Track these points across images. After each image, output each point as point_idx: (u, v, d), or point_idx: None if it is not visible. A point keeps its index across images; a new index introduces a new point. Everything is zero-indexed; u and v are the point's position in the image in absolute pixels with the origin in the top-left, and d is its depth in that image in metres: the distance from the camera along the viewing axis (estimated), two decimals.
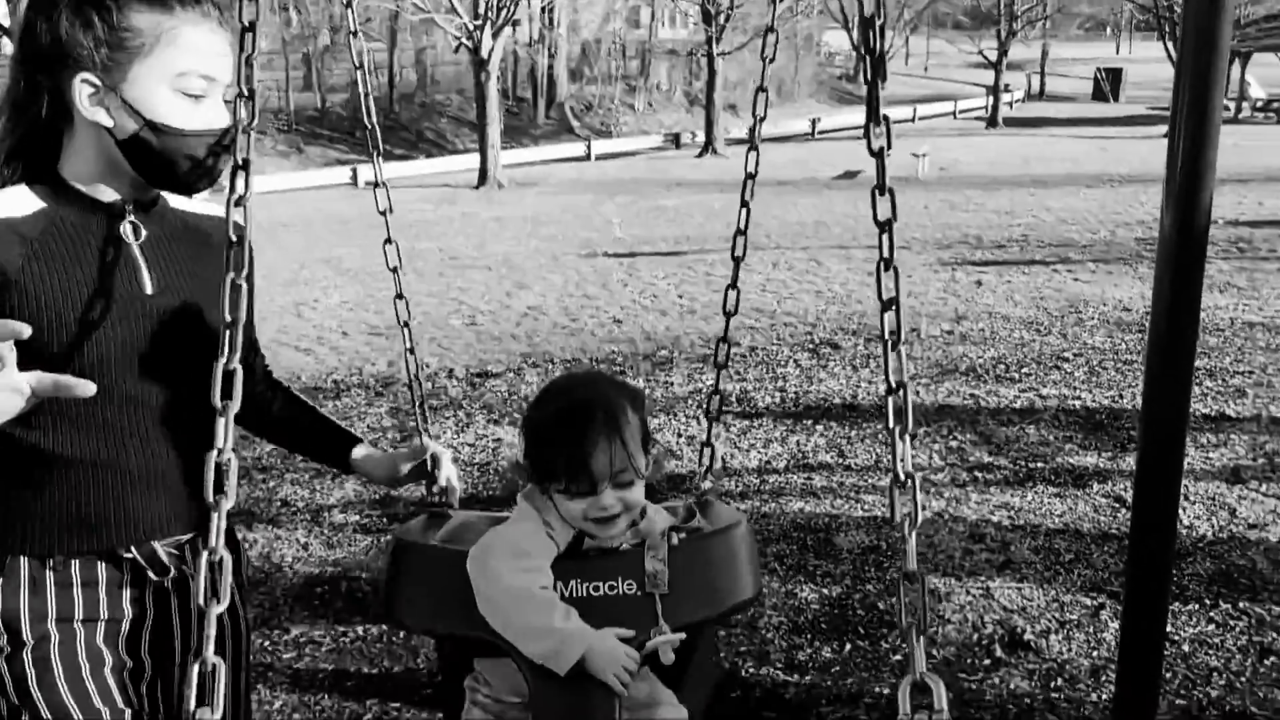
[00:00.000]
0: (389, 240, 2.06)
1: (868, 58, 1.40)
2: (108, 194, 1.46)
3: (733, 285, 2.10)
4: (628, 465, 1.61)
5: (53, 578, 1.46)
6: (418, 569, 1.75)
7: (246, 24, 1.29)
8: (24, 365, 1.29)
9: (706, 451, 2.12)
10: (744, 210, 2.05)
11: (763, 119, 2.11)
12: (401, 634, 3.36)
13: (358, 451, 1.84)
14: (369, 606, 3.56)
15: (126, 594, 1.52)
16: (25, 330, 1.22)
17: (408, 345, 2.07)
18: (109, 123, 1.40)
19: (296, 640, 3.36)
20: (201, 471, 1.17)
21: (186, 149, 1.41)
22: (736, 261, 2.05)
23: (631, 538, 1.68)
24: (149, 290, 1.48)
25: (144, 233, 1.50)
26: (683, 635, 1.62)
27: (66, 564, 1.47)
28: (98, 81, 1.38)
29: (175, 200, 1.58)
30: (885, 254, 1.39)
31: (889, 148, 1.40)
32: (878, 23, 1.40)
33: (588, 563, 1.65)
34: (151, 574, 1.53)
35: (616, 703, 1.56)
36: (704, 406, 2.01)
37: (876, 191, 1.42)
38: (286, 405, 1.83)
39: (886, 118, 1.39)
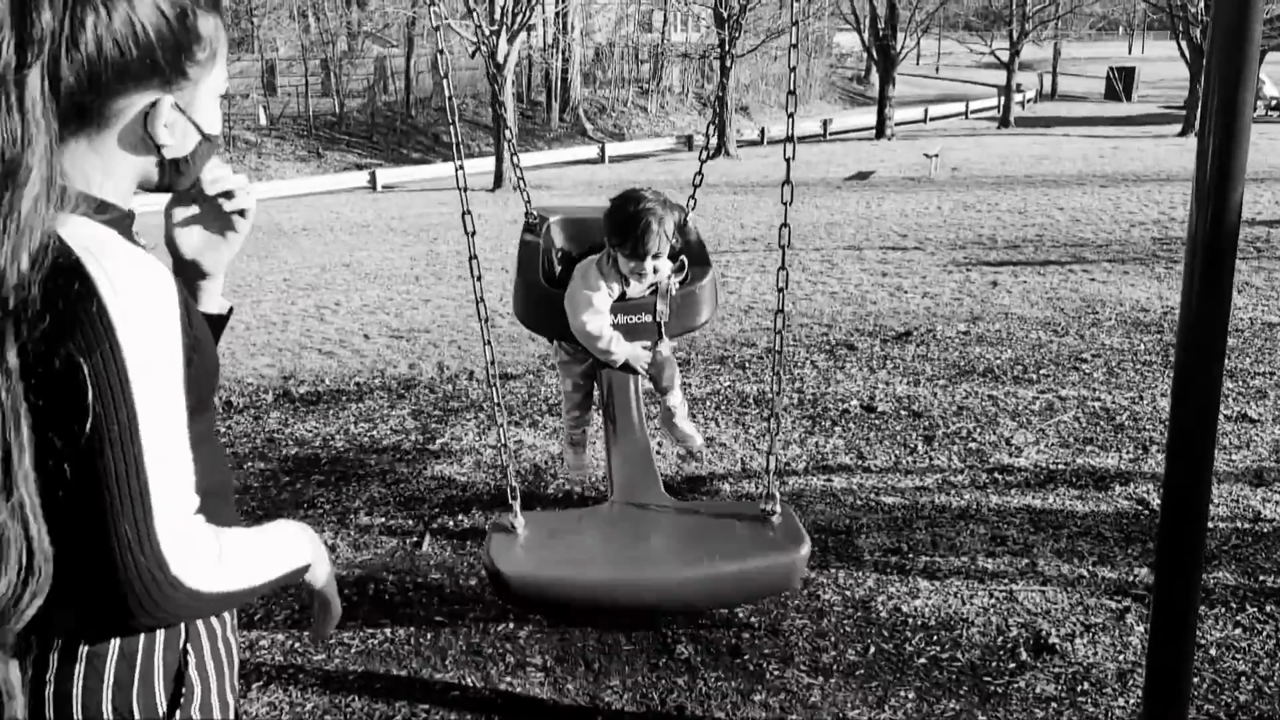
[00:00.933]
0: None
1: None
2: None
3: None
4: (661, 250, 3.12)
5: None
6: (535, 297, 3.45)
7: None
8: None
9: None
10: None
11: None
12: (430, 635, 3.39)
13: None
14: (397, 608, 3.59)
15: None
16: None
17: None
18: (169, 141, 1.23)
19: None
20: None
21: (204, 159, 1.32)
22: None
23: (648, 288, 3.28)
24: None
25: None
26: (675, 344, 3.44)
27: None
28: (174, 98, 1.21)
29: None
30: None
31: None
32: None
33: (627, 304, 3.24)
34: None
35: (639, 375, 3.32)
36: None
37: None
38: None
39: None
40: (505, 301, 9.34)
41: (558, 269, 3.57)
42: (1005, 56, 35.08)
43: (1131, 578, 3.63)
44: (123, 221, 1.21)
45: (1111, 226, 12.12)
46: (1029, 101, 43.06)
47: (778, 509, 2.66)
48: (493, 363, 2.75)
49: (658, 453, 5.03)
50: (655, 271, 3.17)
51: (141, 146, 1.21)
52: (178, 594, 1.14)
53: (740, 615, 3.47)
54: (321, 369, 7.18)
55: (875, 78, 38.16)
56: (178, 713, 1.29)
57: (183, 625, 1.31)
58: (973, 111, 40.53)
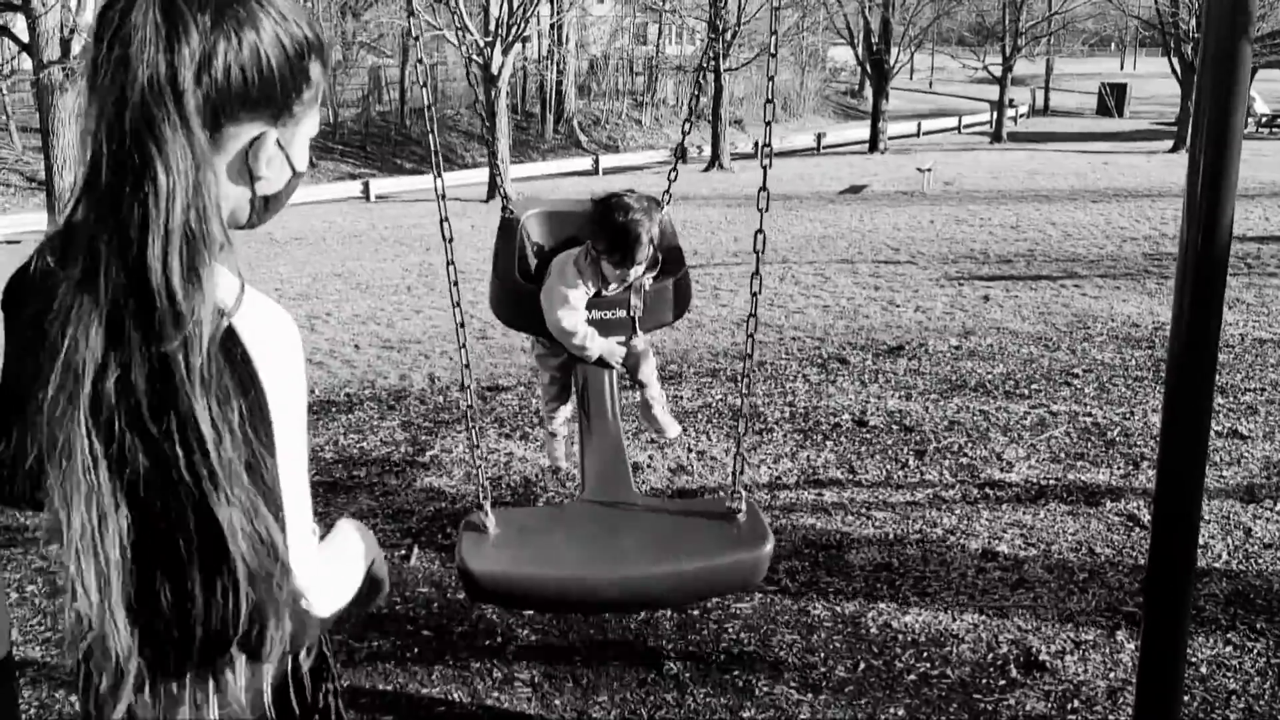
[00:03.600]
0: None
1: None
2: None
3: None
4: (646, 257, 3.22)
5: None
6: (510, 293, 3.45)
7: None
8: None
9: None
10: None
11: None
12: (416, 649, 3.36)
13: None
14: (382, 622, 3.56)
15: None
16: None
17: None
18: (266, 174, 1.24)
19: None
20: None
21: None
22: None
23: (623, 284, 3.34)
24: None
25: None
26: (648, 338, 3.54)
27: None
28: (278, 133, 1.23)
29: None
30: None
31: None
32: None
33: (602, 300, 3.28)
34: None
35: (614, 370, 3.34)
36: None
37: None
38: None
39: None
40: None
41: (533, 264, 3.60)
42: (998, 72, 35.21)
43: (1122, 594, 3.62)
44: (229, 257, 1.18)
45: (1103, 242, 12.15)
46: (1022, 117, 43.22)
47: (743, 506, 2.69)
48: (466, 366, 2.79)
49: (648, 464, 5.02)
50: (634, 274, 3.27)
51: (240, 178, 1.22)
52: (309, 619, 1.27)
53: (730, 631, 3.45)
54: (311, 379, 7.14)
55: (869, 92, 38.30)
56: (322, 690, 1.42)
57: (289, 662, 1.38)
58: (966, 126, 40.68)
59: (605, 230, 3.14)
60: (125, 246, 1.06)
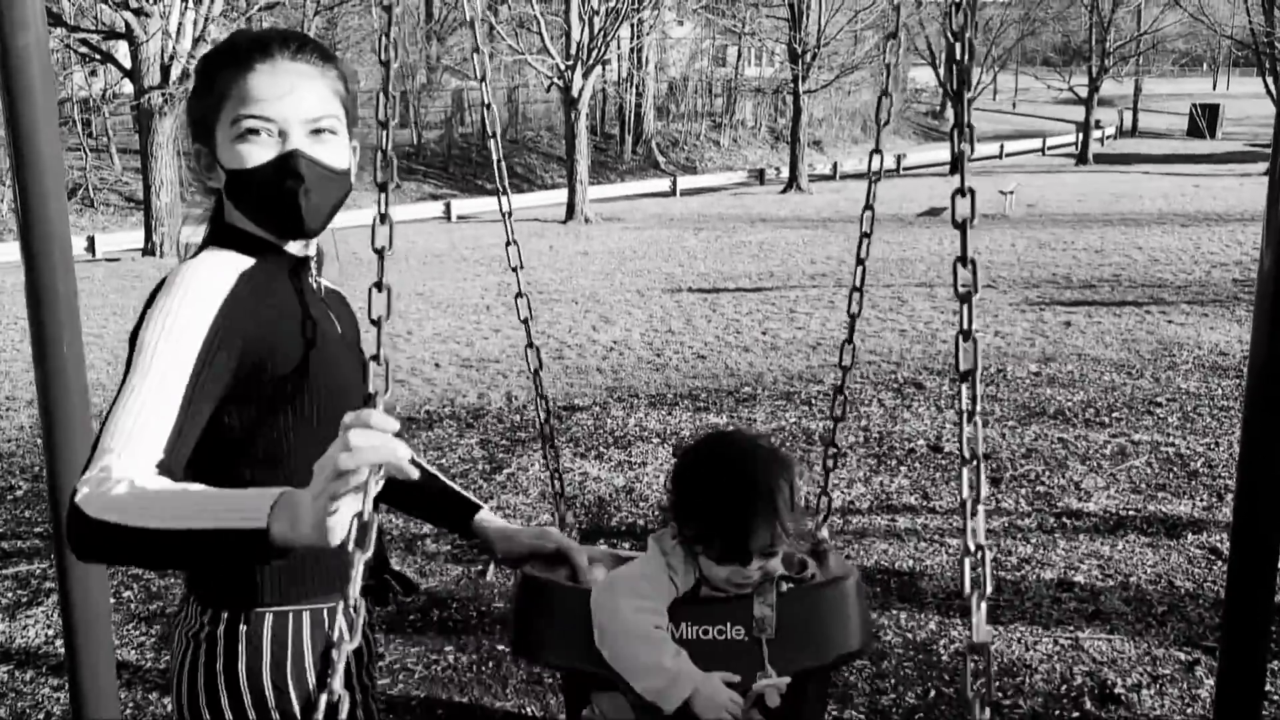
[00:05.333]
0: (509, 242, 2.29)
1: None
2: (276, 243, 1.54)
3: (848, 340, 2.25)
4: (778, 541, 1.69)
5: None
6: (543, 605, 1.84)
7: (382, 61, 1.43)
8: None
9: (823, 500, 2.18)
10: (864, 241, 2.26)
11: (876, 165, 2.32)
12: (491, 664, 3.44)
13: (481, 516, 1.87)
14: (460, 635, 3.65)
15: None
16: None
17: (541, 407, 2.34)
18: (218, 184, 1.50)
19: (390, 667, 3.46)
20: None
21: (261, 186, 1.45)
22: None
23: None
24: (339, 330, 1.58)
25: (313, 280, 1.59)
26: (788, 680, 1.69)
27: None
28: (205, 149, 1.50)
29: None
30: (965, 326, 1.34)
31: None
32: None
33: (700, 606, 1.74)
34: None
35: None
36: (822, 457, 2.23)
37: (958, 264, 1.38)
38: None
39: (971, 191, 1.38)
40: (573, 331, 9.46)
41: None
42: (1084, 92, 34.60)
43: (1202, 629, 3.55)
44: (235, 243, 1.52)
45: (1191, 267, 11.86)
46: (1108, 138, 42.34)
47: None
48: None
49: None
50: (766, 575, 1.74)
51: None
52: (71, 510, 1.20)
53: None
54: (393, 397, 7.33)
55: (950, 113, 37.88)
56: (327, 690, 1.39)
57: (326, 612, 1.51)
58: (1050, 148, 39.97)
59: (695, 497, 1.74)
60: None
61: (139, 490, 1.21)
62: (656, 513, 4.70)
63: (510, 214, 2.31)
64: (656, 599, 1.72)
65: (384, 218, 1.41)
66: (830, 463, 2.24)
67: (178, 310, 1.36)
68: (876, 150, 2.16)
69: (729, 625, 1.74)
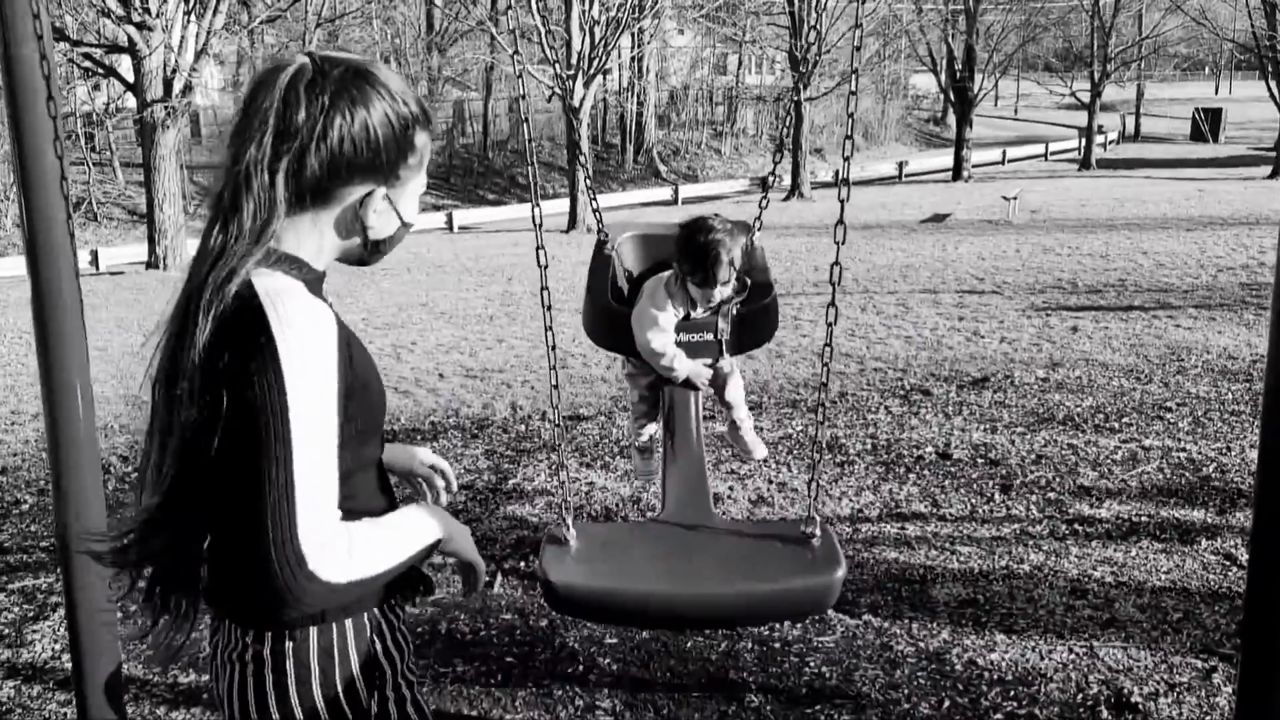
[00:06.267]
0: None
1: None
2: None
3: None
4: (730, 277, 3.22)
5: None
6: (603, 313, 3.52)
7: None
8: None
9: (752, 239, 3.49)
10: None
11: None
12: (500, 675, 3.42)
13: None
14: (467, 647, 3.62)
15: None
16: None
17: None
18: (375, 224, 1.50)
19: None
20: None
21: (401, 240, 1.59)
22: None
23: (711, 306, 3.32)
24: None
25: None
26: (735, 360, 3.55)
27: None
28: (389, 194, 1.50)
29: None
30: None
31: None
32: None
33: (690, 323, 3.32)
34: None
35: (700, 392, 3.37)
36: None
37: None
38: None
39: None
40: (577, 342, 9.43)
41: (625, 288, 3.69)
42: (1086, 98, 34.60)
43: (1219, 635, 3.51)
44: (314, 279, 1.47)
45: (1198, 271, 11.83)
46: (1111, 143, 42.35)
47: (818, 531, 2.72)
48: (555, 382, 2.88)
49: (728, 495, 5.03)
50: (721, 292, 3.29)
51: (353, 227, 1.50)
52: (314, 585, 1.33)
53: (811, 664, 3.44)
54: (397, 408, 7.31)
55: (952, 119, 37.93)
56: (376, 695, 1.53)
57: (366, 618, 1.52)
58: (1053, 153, 39.98)
59: (688, 252, 3.21)
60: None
61: (359, 544, 1.39)
62: None
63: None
64: (668, 326, 3.26)
65: None
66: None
67: (308, 355, 1.36)
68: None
69: (704, 332, 3.34)
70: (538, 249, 2.78)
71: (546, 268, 2.78)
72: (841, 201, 2.63)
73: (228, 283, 1.36)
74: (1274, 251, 11.89)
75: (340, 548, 1.36)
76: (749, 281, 3.41)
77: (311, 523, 1.33)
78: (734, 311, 3.39)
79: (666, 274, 3.40)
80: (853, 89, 2.63)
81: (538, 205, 2.81)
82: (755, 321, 3.48)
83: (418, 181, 1.54)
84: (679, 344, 3.31)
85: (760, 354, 8.60)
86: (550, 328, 2.85)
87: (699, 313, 3.35)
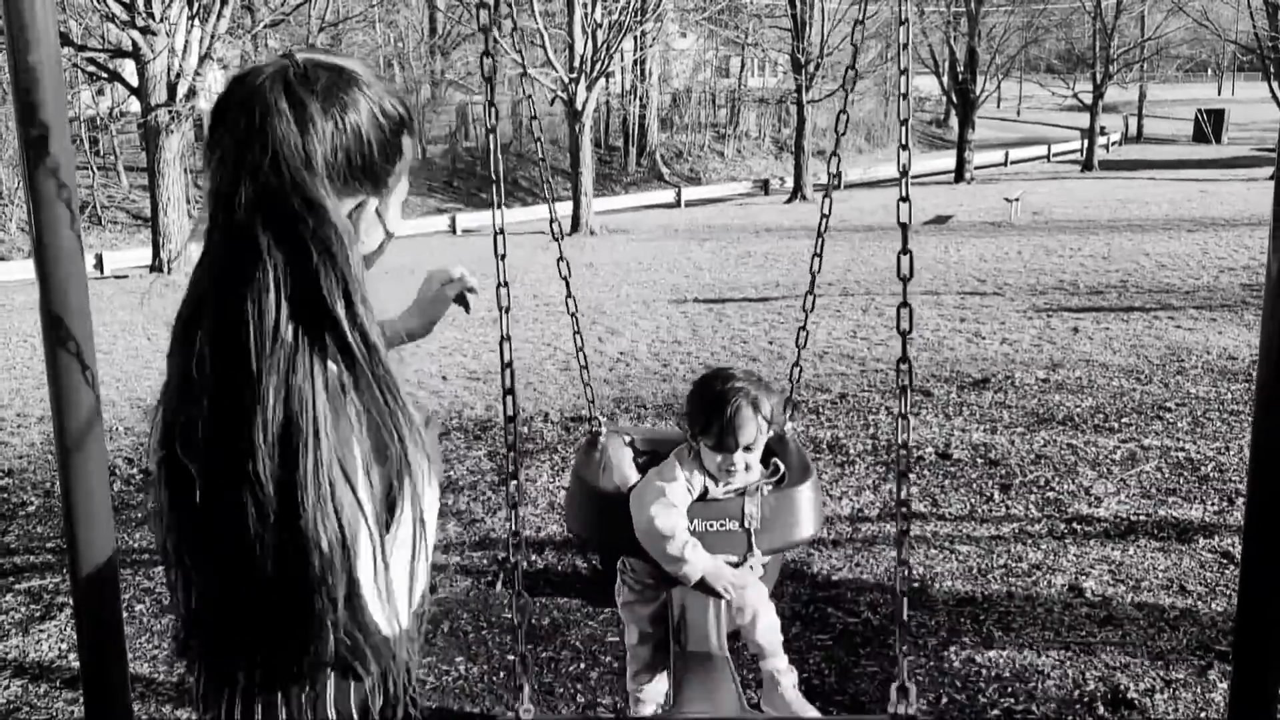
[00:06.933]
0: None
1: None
2: None
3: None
4: (756, 442, 2.50)
5: None
6: (591, 500, 2.71)
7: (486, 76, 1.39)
8: None
9: (789, 403, 2.93)
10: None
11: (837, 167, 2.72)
12: (503, 674, 3.45)
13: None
14: (470, 646, 3.65)
15: None
16: None
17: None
18: (363, 238, 1.38)
19: None
20: None
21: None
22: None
23: (737, 487, 2.56)
24: None
25: None
26: (768, 559, 2.59)
27: None
28: (377, 203, 1.38)
29: None
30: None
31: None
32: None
33: (709, 506, 2.54)
34: None
35: (724, 601, 2.50)
36: (791, 367, 2.89)
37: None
38: None
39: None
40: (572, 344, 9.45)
41: (624, 481, 2.77)
42: (1088, 99, 34.61)
43: (1215, 633, 3.54)
44: None
45: (1199, 272, 11.85)
46: (1114, 144, 42.34)
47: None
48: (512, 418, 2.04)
49: None
50: (747, 469, 2.53)
51: None
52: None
53: (810, 663, 3.46)
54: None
55: (954, 121, 37.95)
56: None
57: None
58: (1055, 155, 39.98)
59: (702, 404, 2.51)
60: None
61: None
62: None
63: (562, 239, 2.84)
64: (680, 506, 2.48)
65: None
66: (797, 371, 3.01)
67: None
68: (832, 185, 2.63)
69: (728, 519, 2.54)
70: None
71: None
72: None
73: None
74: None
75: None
76: (781, 466, 2.68)
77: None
78: (764, 492, 2.58)
79: (680, 446, 2.65)
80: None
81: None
82: (792, 507, 2.61)
83: (403, 188, 1.43)
84: (694, 534, 2.50)
85: (761, 354, 8.64)
86: (507, 338, 2.16)
87: (720, 490, 2.56)
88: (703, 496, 2.54)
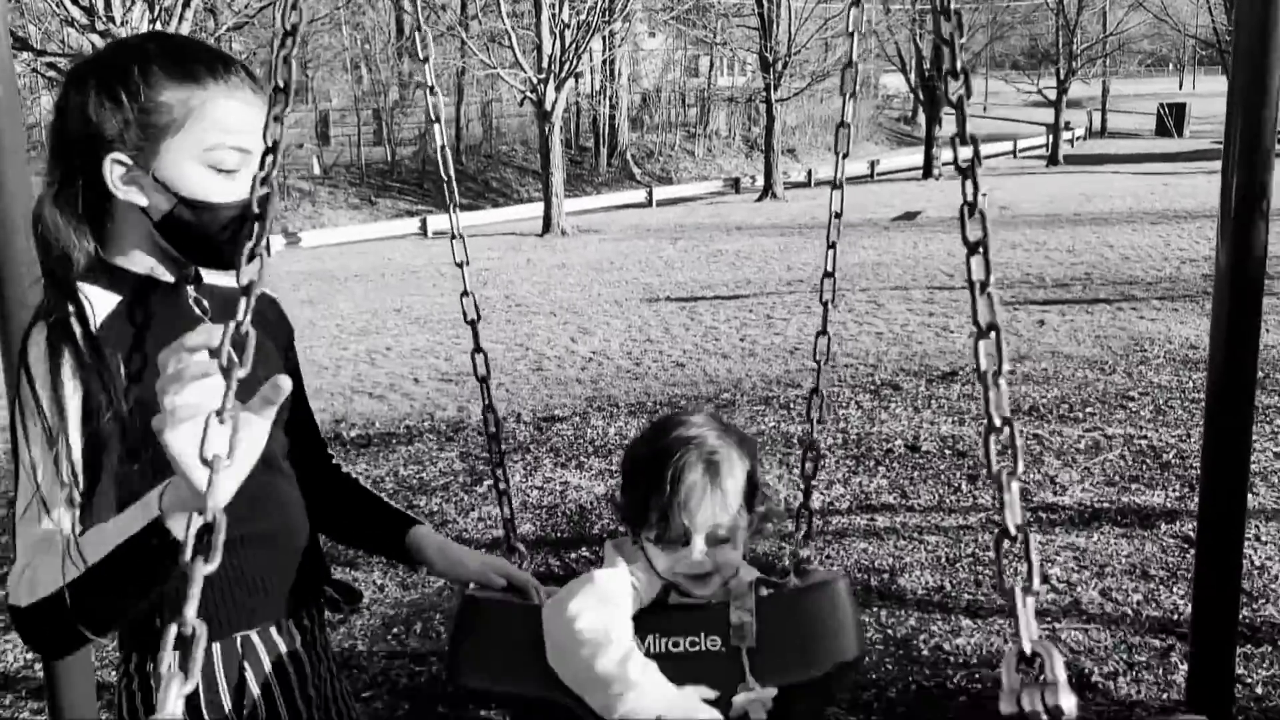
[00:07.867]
0: (466, 293, 1.94)
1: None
2: (161, 273, 1.43)
3: (823, 331, 1.84)
4: (725, 521, 1.49)
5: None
6: (486, 625, 1.59)
7: (280, 84, 1.14)
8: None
9: (803, 515, 1.86)
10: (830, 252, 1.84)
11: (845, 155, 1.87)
12: None
13: (417, 531, 1.70)
14: (444, 645, 3.66)
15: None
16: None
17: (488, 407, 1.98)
18: (143, 202, 1.36)
19: (374, 679, 3.46)
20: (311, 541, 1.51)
21: (221, 223, 1.36)
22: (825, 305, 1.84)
23: (720, 593, 1.55)
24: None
25: (208, 307, 1.47)
26: (774, 692, 1.47)
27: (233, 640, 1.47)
28: (129, 160, 1.34)
29: (211, 276, 1.51)
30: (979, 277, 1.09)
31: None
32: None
33: (671, 616, 1.54)
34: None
35: None
36: (801, 462, 1.91)
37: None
38: (348, 493, 1.75)
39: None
40: (552, 344, 9.48)
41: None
42: (1053, 95, 34.96)
43: (1176, 616, 3.61)
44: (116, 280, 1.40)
45: (1162, 264, 12.01)
46: (1078, 139, 42.75)
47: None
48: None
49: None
50: (718, 569, 1.54)
51: (125, 207, 1.38)
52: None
53: None
54: (372, 413, 7.33)
55: (922, 118, 38.24)
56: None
57: (238, 643, 1.45)
58: (1021, 150, 40.31)
59: (629, 474, 1.61)
60: None
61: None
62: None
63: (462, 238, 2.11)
64: (620, 604, 1.49)
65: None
66: (810, 468, 1.86)
67: None
68: (837, 189, 1.88)
69: (703, 635, 1.53)
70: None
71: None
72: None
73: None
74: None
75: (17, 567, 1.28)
76: (791, 570, 1.74)
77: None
78: (760, 593, 1.59)
79: (620, 538, 1.67)
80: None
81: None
82: (810, 616, 1.57)
83: (182, 143, 1.35)
84: (649, 654, 1.49)
85: (733, 351, 8.68)
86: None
87: (689, 592, 1.55)
88: (661, 603, 1.55)
